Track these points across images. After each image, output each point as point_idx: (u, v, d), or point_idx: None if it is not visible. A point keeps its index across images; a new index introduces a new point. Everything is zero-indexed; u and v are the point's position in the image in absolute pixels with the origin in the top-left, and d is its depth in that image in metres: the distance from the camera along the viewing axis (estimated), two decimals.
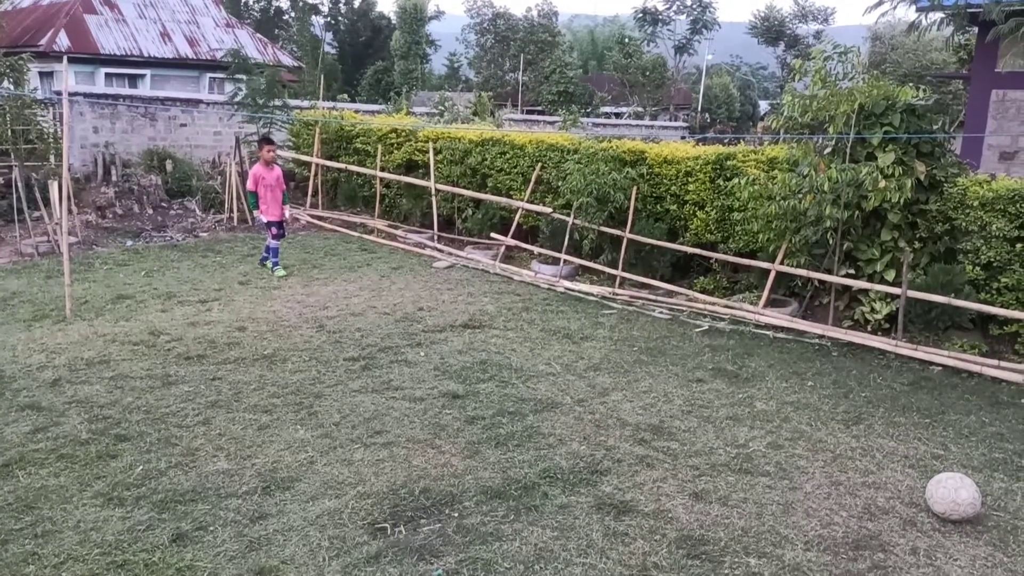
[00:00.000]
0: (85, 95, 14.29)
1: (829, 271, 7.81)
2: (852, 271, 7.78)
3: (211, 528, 3.88)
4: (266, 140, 9.83)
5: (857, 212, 7.47)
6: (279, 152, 14.44)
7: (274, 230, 9.43)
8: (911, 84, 7.87)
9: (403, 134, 12.60)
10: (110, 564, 3.56)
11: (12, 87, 14.61)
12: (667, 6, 36.86)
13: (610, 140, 10.22)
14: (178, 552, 3.68)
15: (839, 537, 4.02)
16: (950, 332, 7.29)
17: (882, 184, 7.17)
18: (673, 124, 28.10)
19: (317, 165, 13.52)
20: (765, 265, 8.29)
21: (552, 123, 20.41)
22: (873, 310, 7.57)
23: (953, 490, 4.13)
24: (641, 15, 37.38)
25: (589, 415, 5.44)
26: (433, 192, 11.70)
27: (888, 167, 7.31)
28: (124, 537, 3.78)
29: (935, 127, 7.59)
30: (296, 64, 26.79)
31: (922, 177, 7.35)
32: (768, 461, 4.84)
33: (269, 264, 9.40)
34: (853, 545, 3.95)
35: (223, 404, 5.41)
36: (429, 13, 35.04)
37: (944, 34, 13.82)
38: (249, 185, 9.55)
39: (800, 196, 7.60)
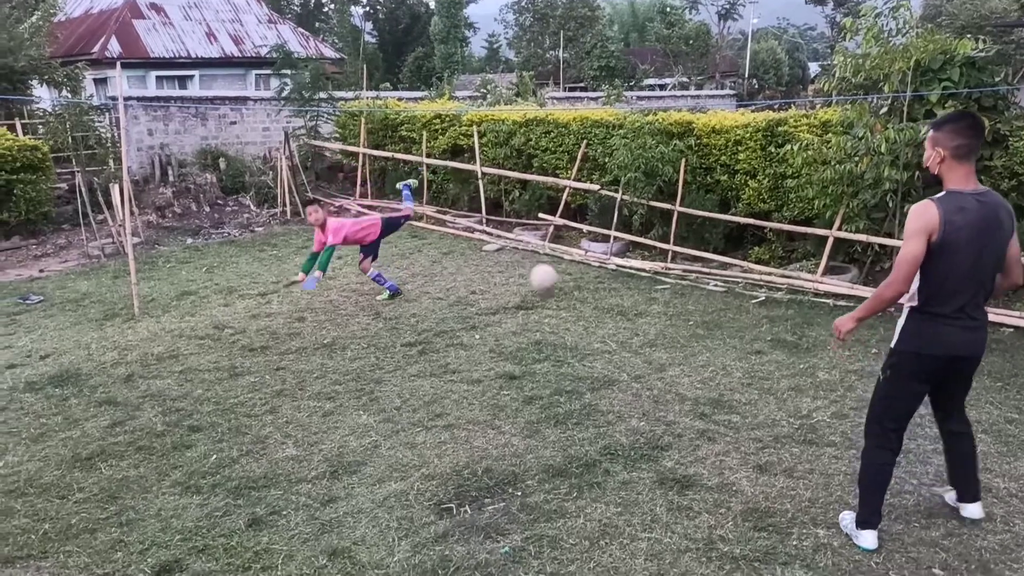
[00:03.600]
0: (139, 99, 14.73)
1: (890, 235, 7.59)
2: None
3: (284, 512, 4.01)
4: (307, 203, 8.16)
5: (917, 173, 7.22)
6: (327, 144, 14.68)
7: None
8: (970, 36, 7.55)
9: (447, 119, 12.64)
10: (191, 549, 3.72)
11: (70, 95, 15.12)
12: None
13: (655, 113, 10.08)
14: (254, 536, 3.82)
15: (910, 505, 3.94)
16: (1021, 293, 7.02)
17: None
18: (720, 92, 27.51)
19: (364, 155, 13.68)
20: (822, 232, 8.09)
21: (595, 99, 20.20)
22: None
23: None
24: None
25: (647, 391, 5.42)
26: (479, 175, 11.73)
27: None
28: (203, 523, 3.93)
29: (997, 79, 7.27)
30: (338, 56, 27.05)
31: (985, 132, 7.05)
32: (833, 431, 4.76)
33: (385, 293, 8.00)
34: (926, 513, 3.87)
35: (288, 393, 5.56)
36: None
37: None
38: (334, 239, 7.54)
39: (856, 159, 7.39)
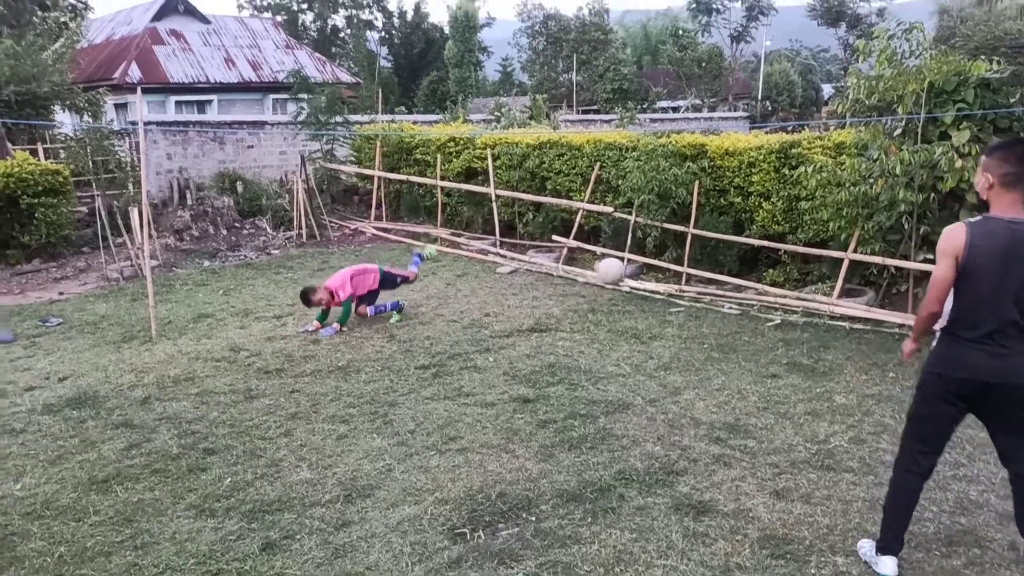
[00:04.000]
0: (158, 123, 14.96)
1: (906, 257, 7.54)
2: (931, 256, 7.49)
3: (298, 536, 4.01)
4: (304, 297, 7.71)
5: (933, 194, 7.19)
6: (342, 167, 14.83)
7: (369, 311, 8.02)
8: (984, 57, 7.55)
9: (461, 142, 12.74)
10: (205, 573, 3.72)
11: (91, 120, 15.39)
12: None
13: (669, 135, 10.11)
14: (268, 560, 3.81)
15: (931, 533, 3.88)
16: None
17: (958, 164, 6.89)
18: (733, 115, 27.56)
19: (379, 178, 13.79)
20: (837, 254, 8.06)
21: (608, 121, 20.30)
22: None
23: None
24: (694, 5, 36.82)
25: (662, 415, 5.39)
26: (493, 198, 11.79)
27: (964, 145, 7.02)
28: (217, 547, 3.94)
29: (1012, 100, 7.25)
30: (354, 80, 27.39)
31: None
32: (851, 456, 4.71)
33: (396, 316, 8.03)
34: (946, 541, 3.80)
35: (303, 415, 5.58)
36: (480, 20, 35.31)
37: (1019, 2, 13.16)
38: (347, 292, 7.69)
39: (871, 181, 7.37)
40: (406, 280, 8.45)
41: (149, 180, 13.40)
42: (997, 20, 29.63)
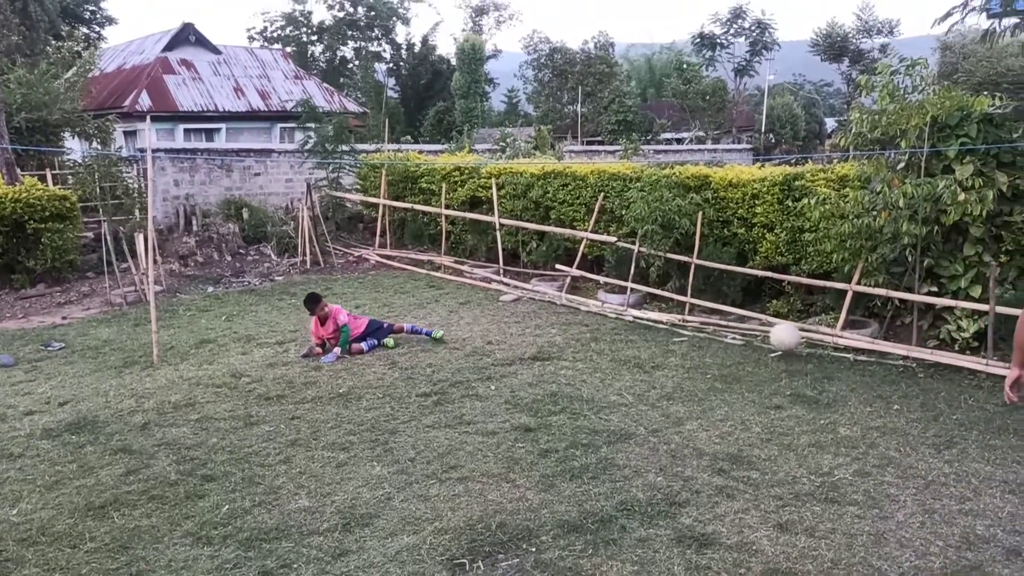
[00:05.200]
0: (166, 151, 15.10)
1: (910, 289, 7.52)
2: (934, 288, 7.47)
3: (295, 565, 3.96)
4: (313, 300, 7.99)
5: (936, 227, 7.19)
6: (348, 195, 14.93)
7: (364, 346, 7.96)
8: (987, 93, 7.59)
9: (466, 171, 12.83)
10: None
11: (100, 147, 15.55)
12: (724, 30, 36.62)
13: (672, 166, 10.17)
14: None
15: (936, 569, 3.82)
16: None
17: (961, 197, 6.90)
18: (737, 147, 27.71)
19: (384, 206, 13.87)
20: (841, 286, 8.04)
21: (613, 152, 20.43)
22: (960, 328, 7.24)
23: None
24: (699, 40, 37.22)
25: (664, 445, 5.34)
26: (497, 227, 11.83)
27: (967, 179, 7.04)
28: None
29: (1015, 136, 7.28)
30: (361, 110, 27.69)
31: (1004, 188, 7.05)
32: (856, 489, 4.65)
33: (390, 341, 8.11)
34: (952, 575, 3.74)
35: (302, 443, 5.54)
36: (487, 52, 35.75)
37: (1020, 39, 13.29)
38: (344, 320, 7.90)
39: (875, 213, 7.38)
40: (392, 331, 8.25)
41: (156, 206, 13.49)
42: (999, 57, 29.86)
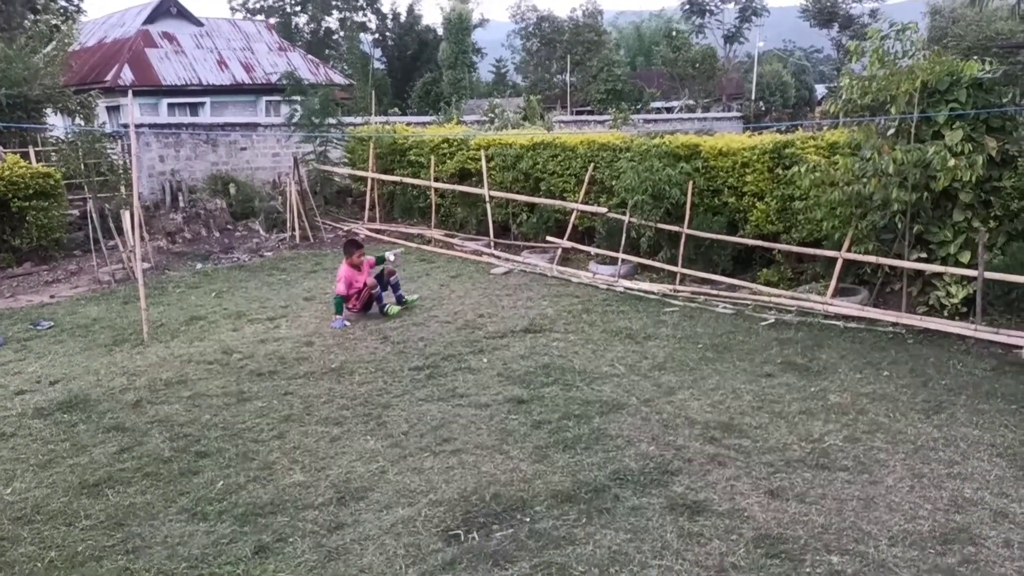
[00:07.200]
0: (150, 126, 14.89)
1: (899, 256, 7.55)
2: (924, 255, 7.50)
3: (291, 539, 3.98)
4: (354, 245, 8.48)
5: (926, 193, 7.20)
6: (336, 168, 14.81)
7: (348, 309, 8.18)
8: (976, 57, 7.56)
9: (455, 143, 12.71)
10: None
11: (83, 123, 15.33)
12: None
13: (662, 136, 10.11)
14: (260, 564, 3.78)
15: (925, 531, 3.88)
16: None
17: (951, 163, 6.89)
18: (727, 115, 27.60)
19: (373, 179, 13.76)
20: (831, 254, 8.06)
21: (602, 122, 20.30)
22: (949, 294, 7.28)
23: None
24: (688, 7, 36.88)
25: (656, 415, 5.38)
26: (487, 199, 11.77)
27: (956, 145, 7.03)
28: (209, 551, 3.91)
29: (1005, 100, 7.27)
30: (347, 82, 27.33)
31: (994, 153, 7.05)
32: (846, 455, 4.70)
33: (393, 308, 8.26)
34: (941, 539, 3.80)
35: (296, 418, 5.55)
36: (474, 22, 35.25)
37: (1009, 2, 13.22)
38: (340, 288, 8.06)
39: (864, 180, 7.37)
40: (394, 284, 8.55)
41: (141, 183, 13.33)
42: (988, 21, 29.75)
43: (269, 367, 6.66)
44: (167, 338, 7.69)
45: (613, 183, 10.01)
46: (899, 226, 7.46)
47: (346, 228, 13.56)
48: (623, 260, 9.69)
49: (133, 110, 7.95)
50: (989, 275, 6.85)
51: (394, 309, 8.24)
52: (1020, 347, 6.45)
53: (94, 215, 10.80)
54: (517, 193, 11.49)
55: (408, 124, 16.01)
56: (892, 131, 7.64)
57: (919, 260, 7.48)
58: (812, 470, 4.53)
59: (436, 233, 12.43)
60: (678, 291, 8.80)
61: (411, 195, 13.51)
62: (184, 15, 25.77)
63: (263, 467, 4.80)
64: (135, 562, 3.83)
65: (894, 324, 7.21)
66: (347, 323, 7.93)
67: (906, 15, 9.28)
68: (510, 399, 5.73)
